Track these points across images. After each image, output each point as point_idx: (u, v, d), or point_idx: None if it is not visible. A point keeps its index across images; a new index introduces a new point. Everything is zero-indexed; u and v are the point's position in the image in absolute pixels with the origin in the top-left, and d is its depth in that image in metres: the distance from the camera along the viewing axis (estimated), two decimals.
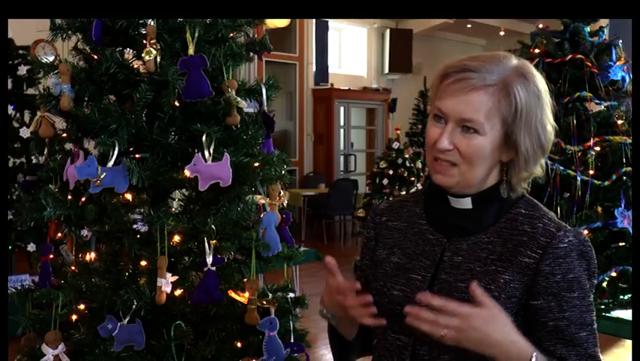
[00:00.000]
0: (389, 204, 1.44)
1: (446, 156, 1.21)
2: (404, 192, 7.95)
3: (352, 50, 12.57)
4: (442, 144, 1.20)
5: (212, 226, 2.01)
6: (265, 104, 2.30)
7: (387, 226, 1.39)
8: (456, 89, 1.19)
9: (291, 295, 2.27)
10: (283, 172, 2.21)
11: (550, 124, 1.24)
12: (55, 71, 2.10)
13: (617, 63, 3.30)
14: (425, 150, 1.29)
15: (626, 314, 2.93)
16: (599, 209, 3.05)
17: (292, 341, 2.22)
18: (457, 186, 1.24)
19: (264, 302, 2.11)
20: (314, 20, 11.04)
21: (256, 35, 2.40)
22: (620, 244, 3.07)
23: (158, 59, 2.03)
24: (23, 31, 4.58)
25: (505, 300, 1.18)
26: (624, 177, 3.13)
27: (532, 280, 1.18)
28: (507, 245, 1.22)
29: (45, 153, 2.29)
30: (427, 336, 1.20)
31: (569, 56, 3.28)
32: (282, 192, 2.27)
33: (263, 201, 2.22)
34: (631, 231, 2.98)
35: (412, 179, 8.40)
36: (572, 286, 1.18)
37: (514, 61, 1.23)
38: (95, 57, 2.11)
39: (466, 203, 1.26)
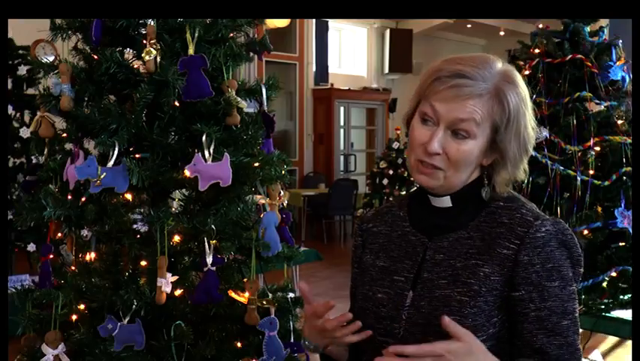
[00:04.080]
0: (376, 211, 1.46)
1: (433, 160, 1.22)
2: (404, 192, 7.95)
3: (352, 50, 12.57)
4: (433, 147, 1.20)
5: (212, 226, 2.01)
6: (265, 104, 2.30)
7: (373, 232, 1.40)
8: (450, 96, 1.19)
9: (291, 295, 2.27)
10: (283, 172, 2.21)
11: (531, 126, 1.25)
12: (55, 71, 2.10)
13: (617, 63, 3.29)
14: (408, 149, 1.29)
15: (626, 314, 2.93)
16: (599, 209, 3.05)
17: (292, 341, 2.22)
18: (440, 188, 1.25)
19: (264, 302, 2.11)
20: (314, 20, 11.04)
21: (256, 35, 2.40)
22: (620, 244, 3.06)
23: (158, 59, 2.03)
24: (23, 31, 4.58)
25: (486, 293, 1.19)
26: (624, 177, 3.13)
27: (512, 272, 1.19)
28: (486, 239, 1.22)
29: (45, 153, 2.29)
30: (412, 336, 1.21)
31: (569, 56, 3.28)
32: (282, 192, 2.27)
33: (263, 201, 2.22)
34: (631, 231, 2.98)
35: (412, 179, 8.40)
36: (551, 276, 1.18)
37: (500, 65, 1.24)
38: (95, 57, 2.11)
39: (446, 201, 1.28)
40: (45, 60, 2.83)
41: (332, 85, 11.42)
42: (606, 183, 3.10)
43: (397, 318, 1.25)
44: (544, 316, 1.18)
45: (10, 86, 4.97)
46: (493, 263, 1.19)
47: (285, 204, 2.30)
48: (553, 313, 1.18)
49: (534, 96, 3.19)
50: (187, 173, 1.99)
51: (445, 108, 1.20)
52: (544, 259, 1.18)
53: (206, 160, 2.01)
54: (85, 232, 2.15)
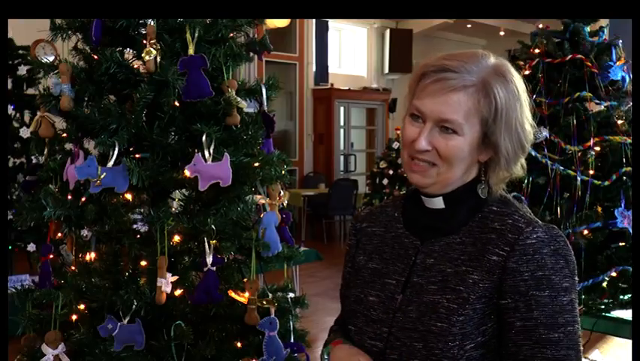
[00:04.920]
0: (370, 210, 1.44)
1: (424, 156, 1.20)
2: (404, 193, 7.93)
3: (352, 50, 12.57)
4: (420, 145, 1.19)
5: (212, 226, 2.01)
6: (265, 104, 2.30)
7: (367, 232, 1.39)
8: (435, 89, 1.18)
9: (291, 295, 2.27)
10: (283, 172, 2.21)
11: (528, 123, 1.23)
12: (55, 71, 2.10)
13: (617, 63, 3.29)
14: (401, 147, 1.28)
15: (626, 314, 2.93)
16: (599, 209, 3.05)
17: (292, 341, 2.22)
18: (434, 186, 1.23)
19: (264, 302, 2.11)
20: (314, 20, 11.04)
21: (256, 35, 2.40)
22: (620, 244, 3.06)
23: (158, 59, 2.03)
24: (23, 31, 4.58)
25: (474, 300, 1.16)
26: (624, 177, 3.13)
27: (501, 279, 1.15)
28: (477, 244, 1.20)
29: (45, 153, 2.29)
30: (398, 340, 1.20)
31: (569, 56, 3.27)
32: (282, 192, 2.26)
33: (263, 201, 2.22)
34: (631, 231, 2.98)
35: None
36: (541, 285, 1.13)
37: (493, 60, 1.22)
38: (95, 57, 2.11)
39: (439, 203, 1.25)
40: (45, 60, 2.83)
41: (332, 85, 11.42)
42: (606, 183, 3.10)
43: (387, 322, 1.23)
44: (530, 326, 1.13)
45: (10, 86, 4.98)
46: (482, 270, 1.17)
47: (285, 204, 2.30)
48: (541, 324, 1.13)
49: (534, 96, 3.19)
50: (187, 173, 1.99)
51: (431, 103, 1.18)
52: (534, 267, 1.14)
53: (206, 160, 2.01)
54: (85, 232, 2.15)
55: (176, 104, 2.08)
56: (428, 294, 1.20)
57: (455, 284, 1.18)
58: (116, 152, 1.98)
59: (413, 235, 1.29)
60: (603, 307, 3.00)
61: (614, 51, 3.32)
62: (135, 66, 2.11)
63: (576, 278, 1.18)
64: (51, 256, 2.21)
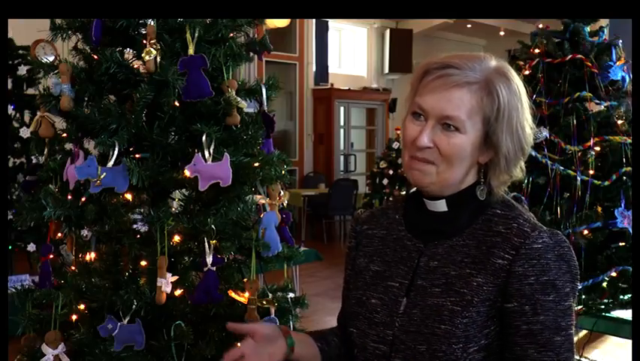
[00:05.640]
0: (371, 212, 1.43)
1: (424, 154, 1.19)
2: (404, 193, 7.94)
3: (352, 50, 12.58)
4: (422, 141, 1.18)
5: (212, 226, 2.01)
6: (265, 104, 2.29)
7: (368, 234, 1.38)
8: (438, 85, 1.18)
9: (291, 295, 2.27)
10: (283, 172, 2.21)
11: (528, 125, 1.23)
12: (55, 71, 2.10)
13: (617, 63, 3.30)
14: (402, 148, 1.27)
15: (626, 314, 2.94)
16: (599, 209, 3.05)
17: None
18: (433, 185, 1.22)
19: (264, 302, 2.11)
20: (314, 20, 11.05)
21: (256, 35, 2.40)
22: (620, 244, 3.07)
23: (158, 59, 2.03)
24: (23, 31, 4.58)
25: (478, 303, 1.16)
26: (624, 177, 3.13)
27: (506, 282, 1.16)
28: (481, 247, 1.20)
29: (45, 153, 2.29)
30: (402, 343, 1.20)
31: (569, 56, 3.28)
32: (282, 192, 2.26)
33: (263, 201, 2.22)
34: (631, 231, 2.98)
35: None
36: (546, 289, 1.15)
37: (495, 61, 1.22)
38: (95, 57, 2.11)
39: (441, 205, 1.25)
40: (45, 60, 2.83)
41: (332, 85, 11.43)
42: (606, 183, 3.11)
43: (391, 325, 1.23)
44: (536, 330, 1.15)
45: (10, 86, 4.98)
46: (487, 273, 1.17)
47: (285, 204, 2.30)
48: (546, 327, 1.14)
49: (534, 96, 3.19)
50: (187, 173, 1.99)
51: (432, 99, 1.18)
52: (539, 271, 1.15)
53: (206, 160, 2.00)
54: (85, 232, 2.15)
55: (176, 104, 2.08)
56: (432, 297, 1.20)
57: (459, 287, 1.18)
58: (116, 152, 1.98)
59: (416, 238, 1.28)
60: (603, 307, 3.00)
61: (614, 51, 3.33)
62: (135, 66, 2.11)
63: (577, 283, 1.20)
64: (51, 256, 2.21)
